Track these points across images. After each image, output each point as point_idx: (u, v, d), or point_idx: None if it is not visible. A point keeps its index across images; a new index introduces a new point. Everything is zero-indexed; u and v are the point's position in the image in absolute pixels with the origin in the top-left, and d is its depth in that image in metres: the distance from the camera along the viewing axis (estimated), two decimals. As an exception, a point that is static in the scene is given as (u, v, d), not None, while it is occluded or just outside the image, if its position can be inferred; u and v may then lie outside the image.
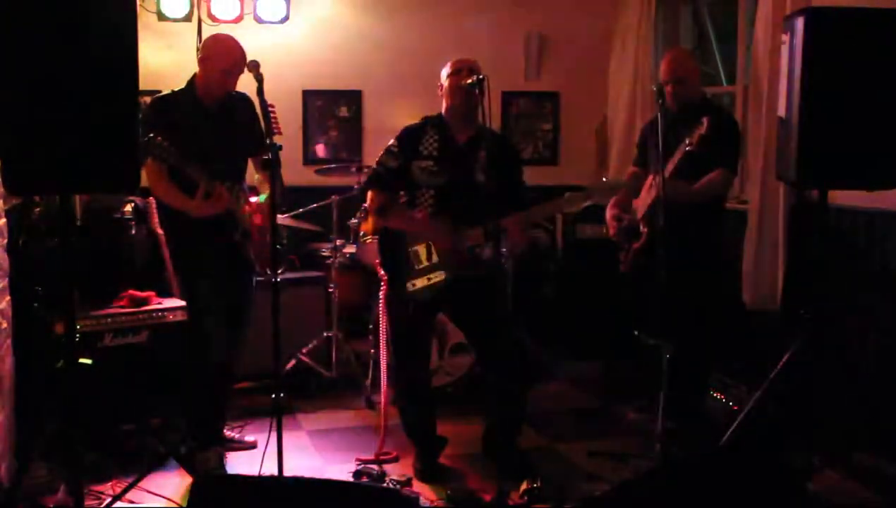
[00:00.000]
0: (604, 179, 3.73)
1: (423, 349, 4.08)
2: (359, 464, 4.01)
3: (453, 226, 3.74)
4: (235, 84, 3.86)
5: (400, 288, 3.78)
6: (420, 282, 3.75)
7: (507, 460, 3.83)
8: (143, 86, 3.02)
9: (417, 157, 3.81)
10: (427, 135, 3.85)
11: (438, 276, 3.74)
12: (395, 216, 3.83)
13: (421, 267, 3.75)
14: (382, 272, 3.89)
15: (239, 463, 3.99)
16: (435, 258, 3.75)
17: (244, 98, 3.96)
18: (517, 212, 3.69)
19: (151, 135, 3.55)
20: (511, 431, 3.92)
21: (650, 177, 4.29)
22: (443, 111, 3.89)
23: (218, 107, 3.88)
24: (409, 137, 3.86)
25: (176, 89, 3.90)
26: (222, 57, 3.79)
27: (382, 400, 4.20)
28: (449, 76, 3.80)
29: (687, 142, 3.91)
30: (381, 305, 4.06)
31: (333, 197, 5.19)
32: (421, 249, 3.76)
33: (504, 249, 3.66)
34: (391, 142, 3.90)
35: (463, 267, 3.74)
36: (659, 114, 3.85)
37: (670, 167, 4.02)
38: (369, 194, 3.94)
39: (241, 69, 3.76)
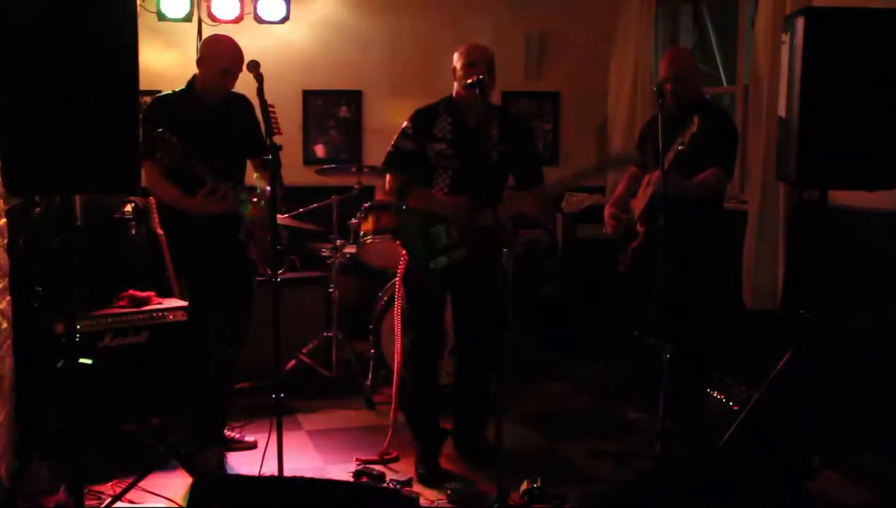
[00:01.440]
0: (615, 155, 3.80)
1: (438, 326, 4.10)
2: (359, 464, 4.00)
3: (473, 204, 3.78)
4: (234, 84, 3.86)
5: (423, 265, 3.83)
6: (442, 261, 3.80)
7: (477, 453, 4.01)
8: (143, 86, 3.02)
9: (432, 140, 3.85)
10: (440, 119, 3.88)
11: (460, 253, 3.80)
12: (415, 196, 3.86)
13: (441, 245, 3.80)
14: (403, 251, 3.95)
15: (239, 463, 3.99)
16: (455, 235, 3.80)
17: (244, 98, 3.96)
18: (533, 189, 3.92)
19: (160, 130, 3.55)
20: (479, 422, 4.04)
21: (647, 177, 4.29)
22: (453, 94, 3.91)
23: (217, 107, 3.88)
24: (424, 120, 3.89)
25: (176, 89, 3.90)
26: (220, 57, 3.79)
27: (393, 396, 4.18)
28: (462, 67, 3.81)
29: (679, 141, 3.91)
30: (398, 281, 4.05)
31: (333, 197, 5.18)
32: (441, 230, 3.81)
33: (504, 250, 3.69)
34: (405, 124, 3.92)
35: (481, 247, 3.78)
36: (658, 114, 3.84)
37: (665, 166, 4.02)
38: (387, 176, 3.98)
39: (239, 69, 3.76)
